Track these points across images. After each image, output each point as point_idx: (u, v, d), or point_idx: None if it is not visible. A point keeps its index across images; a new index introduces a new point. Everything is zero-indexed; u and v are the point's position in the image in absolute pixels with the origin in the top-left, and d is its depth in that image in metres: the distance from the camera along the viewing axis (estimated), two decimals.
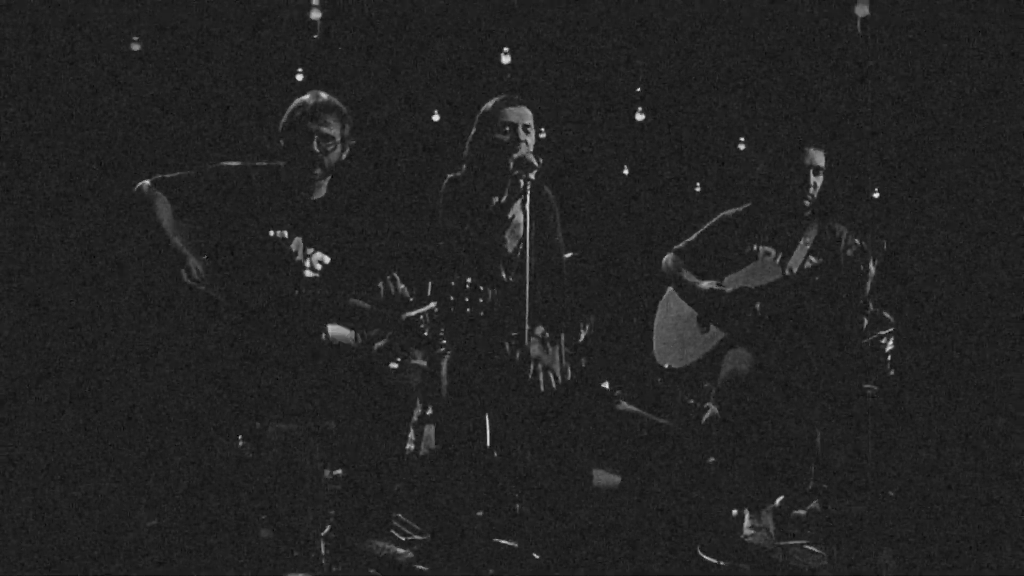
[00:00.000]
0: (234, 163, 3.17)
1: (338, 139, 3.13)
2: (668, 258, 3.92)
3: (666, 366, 3.94)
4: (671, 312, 3.96)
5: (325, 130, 3.10)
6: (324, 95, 3.16)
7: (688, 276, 3.82)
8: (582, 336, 5.27)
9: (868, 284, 3.51)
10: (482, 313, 2.85)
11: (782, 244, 3.74)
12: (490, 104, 3.36)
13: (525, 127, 3.30)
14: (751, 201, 3.87)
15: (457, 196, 3.33)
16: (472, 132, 3.38)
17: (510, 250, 3.30)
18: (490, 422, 3.19)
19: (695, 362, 3.82)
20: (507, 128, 3.28)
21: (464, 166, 3.39)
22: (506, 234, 3.31)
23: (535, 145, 3.33)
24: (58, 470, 3.62)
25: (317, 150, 3.09)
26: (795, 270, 3.67)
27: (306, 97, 3.16)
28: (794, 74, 6.70)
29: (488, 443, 3.18)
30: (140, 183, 3.06)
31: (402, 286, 3.02)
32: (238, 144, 5.83)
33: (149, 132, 5.62)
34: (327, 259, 3.12)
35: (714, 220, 3.89)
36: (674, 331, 3.92)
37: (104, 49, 5.54)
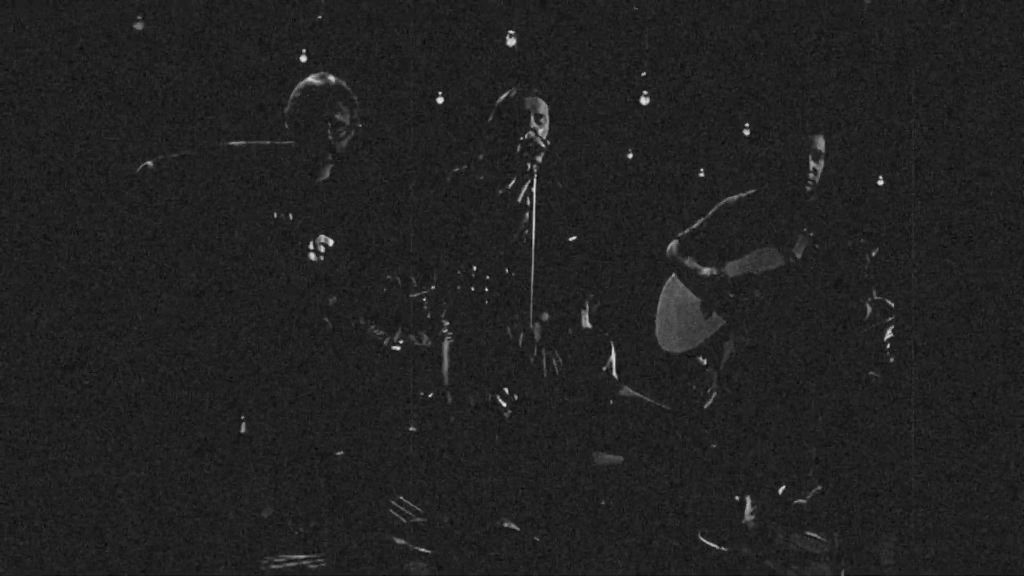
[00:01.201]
0: (237, 142, 3.12)
1: (348, 124, 3.09)
2: (672, 246, 3.93)
3: (669, 351, 3.94)
4: (674, 298, 3.96)
5: (339, 117, 3.05)
6: (332, 78, 3.10)
7: (690, 263, 3.82)
8: (585, 319, 5.26)
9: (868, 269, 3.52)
10: (486, 301, 2.85)
11: (786, 231, 3.73)
12: (508, 93, 3.39)
13: (538, 116, 3.33)
14: (755, 187, 3.86)
15: (463, 189, 3.33)
16: (489, 120, 3.41)
17: (517, 235, 3.30)
18: (493, 405, 3.19)
19: (698, 347, 3.82)
20: (521, 116, 3.30)
21: (476, 158, 3.41)
22: (514, 219, 3.31)
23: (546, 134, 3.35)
24: (62, 456, 3.63)
25: (332, 138, 3.05)
26: (798, 257, 3.66)
27: (315, 81, 3.09)
28: (801, 60, 6.66)
29: (491, 426, 3.18)
30: (144, 163, 3.03)
31: (407, 268, 3.02)
32: (242, 125, 5.80)
33: (153, 113, 5.60)
34: (331, 242, 3.10)
35: (718, 206, 3.88)
36: (677, 316, 3.92)
37: (108, 29, 5.51)
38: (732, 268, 3.72)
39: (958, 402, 3.20)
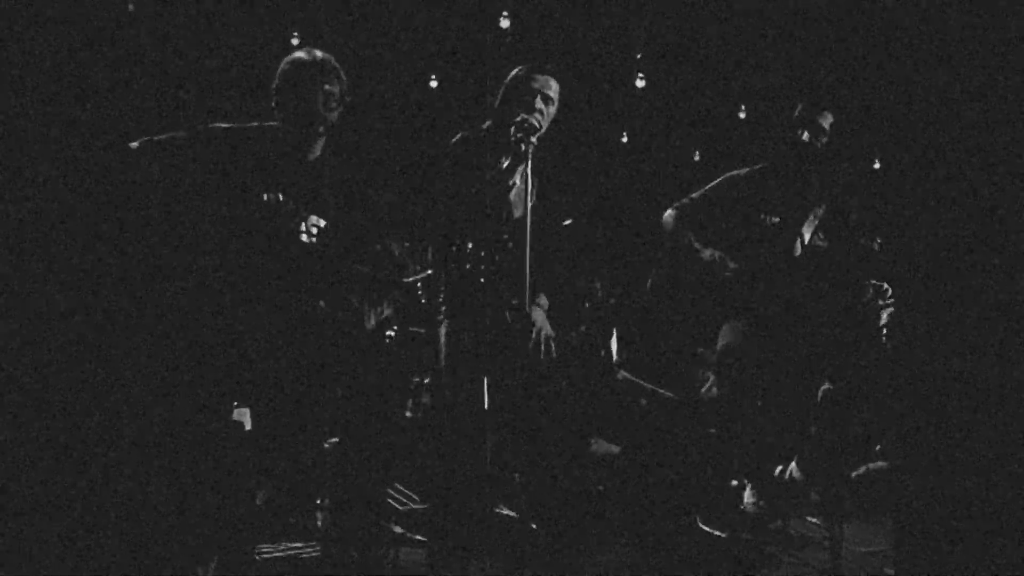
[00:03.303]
0: (224, 124, 3.08)
1: (338, 96, 3.06)
2: (669, 214, 3.81)
3: (663, 326, 3.90)
4: (668, 272, 3.89)
5: (328, 87, 3.02)
6: (319, 52, 3.07)
7: (690, 239, 3.74)
8: (592, 304, 5.23)
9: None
10: (482, 279, 2.81)
11: (789, 215, 3.69)
12: (518, 70, 3.29)
13: (546, 97, 3.23)
14: (761, 165, 3.79)
15: (465, 157, 3.26)
16: (499, 96, 3.31)
17: (515, 215, 3.26)
18: (489, 390, 3.16)
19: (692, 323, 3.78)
20: (527, 95, 3.20)
21: (484, 125, 3.32)
22: (510, 198, 3.26)
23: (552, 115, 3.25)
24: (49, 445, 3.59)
25: (323, 110, 3.02)
26: (804, 244, 3.64)
27: (301, 55, 3.06)
28: (798, 43, 6.63)
29: (487, 411, 3.15)
30: (130, 144, 2.98)
31: (401, 251, 2.97)
32: (234, 107, 5.75)
33: (142, 93, 5.55)
34: (323, 222, 3.06)
35: (721, 179, 3.81)
36: (672, 291, 3.86)
37: (98, 9, 5.45)
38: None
39: (955, 383, 3.18)
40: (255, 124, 3.09)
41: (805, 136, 3.60)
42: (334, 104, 3.04)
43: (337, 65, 3.06)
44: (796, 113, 3.67)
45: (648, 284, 3.97)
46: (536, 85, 3.21)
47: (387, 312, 3.13)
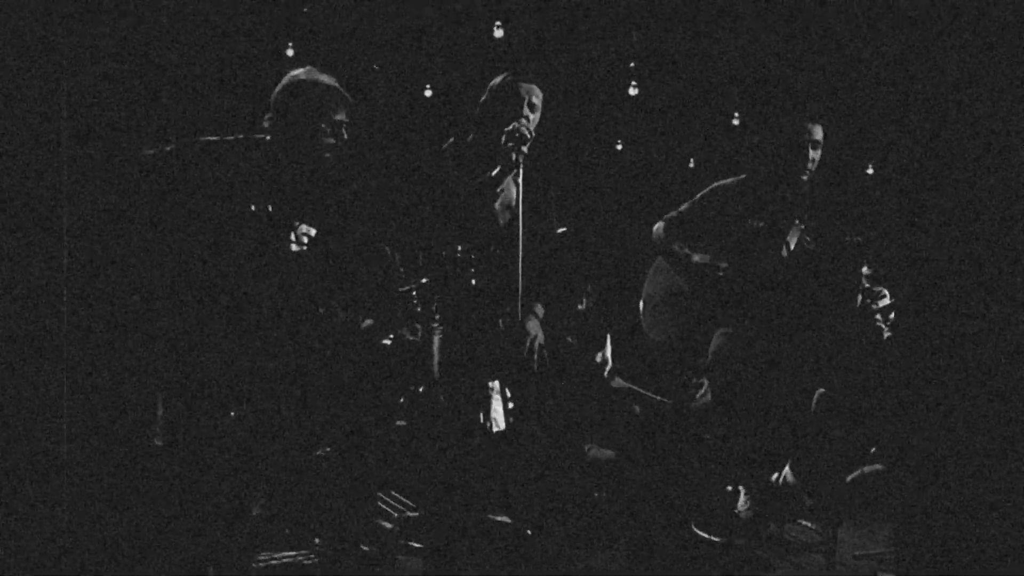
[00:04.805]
0: (212, 137, 3.04)
1: (347, 124, 3.02)
2: (659, 227, 3.86)
3: (656, 338, 3.90)
4: (661, 282, 3.91)
5: (339, 117, 2.98)
6: (328, 79, 3.01)
7: (679, 247, 3.77)
8: (581, 308, 5.24)
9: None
10: (473, 281, 2.82)
11: (777, 220, 3.70)
12: (503, 77, 3.30)
13: (531, 105, 3.25)
14: (747, 173, 3.81)
15: (456, 164, 3.27)
16: (481, 102, 3.32)
17: (502, 223, 3.26)
18: (484, 398, 3.17)
19: (686, 335, 3.79)
20: (514, 103, 3.22)
21: (468, 136, 3.33)
22: (497, 207, 3.26)
23: (536, 123, 3.28)
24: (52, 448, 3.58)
25: (347, 138, 2.99)
26: (791, 248, 3.65)
27: (310, 79, 3.00)
28: (791, 48, 6.64)
29: (481, 419, 3.15)
30: (120, 158, 2.97)
31: (394, 258, 2.98)
32: (226, 120, 5.75)
33: (132, 106, 5.54)
34: (313, 231, 3.05)
35: (708, 189, 3.83)
36: (664, 302, 3.88)
37: (86, 18, 5.45)
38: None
39: (956, 384, 3.18)
40: (241, 137, 3.06)
41: (811, 154, 3.59)
42: (344, 133, 2.99)
43: (340, 88, 3.02)
44: (784, 126, 3.67)
45: (642, 299, 3.99)
46: (522, 93, 3.23)
47: (368, 322, 3.13)
